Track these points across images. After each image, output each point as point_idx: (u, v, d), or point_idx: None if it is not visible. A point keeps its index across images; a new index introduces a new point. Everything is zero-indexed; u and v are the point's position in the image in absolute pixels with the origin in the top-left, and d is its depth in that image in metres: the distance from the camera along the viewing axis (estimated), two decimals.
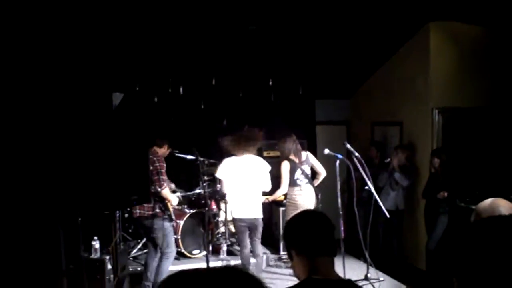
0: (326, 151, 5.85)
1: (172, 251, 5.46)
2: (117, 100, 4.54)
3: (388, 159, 6.82)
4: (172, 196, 5.55)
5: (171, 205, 5.49)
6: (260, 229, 5.76)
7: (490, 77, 6.70)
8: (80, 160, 3.85)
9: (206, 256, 4.93)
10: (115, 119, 4.45)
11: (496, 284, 1.19)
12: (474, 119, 6.73)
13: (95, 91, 4.32)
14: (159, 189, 5.21)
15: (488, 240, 1.27)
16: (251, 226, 5.69)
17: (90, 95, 4.20)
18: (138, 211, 5.31)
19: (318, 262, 2.10)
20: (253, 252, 5.79)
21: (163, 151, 5.63)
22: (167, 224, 5.36)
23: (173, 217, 5.46)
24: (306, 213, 2.36)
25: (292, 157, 6.08)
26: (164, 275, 5.34)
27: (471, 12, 5.99)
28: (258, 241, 5.76)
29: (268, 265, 6.76)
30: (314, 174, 6.35)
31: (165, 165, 5.35)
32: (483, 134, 6.72)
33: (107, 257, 4.97)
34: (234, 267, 1.42)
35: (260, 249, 5.84)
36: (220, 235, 7.09)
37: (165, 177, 5.34)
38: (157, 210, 5.31)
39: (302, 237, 2.15)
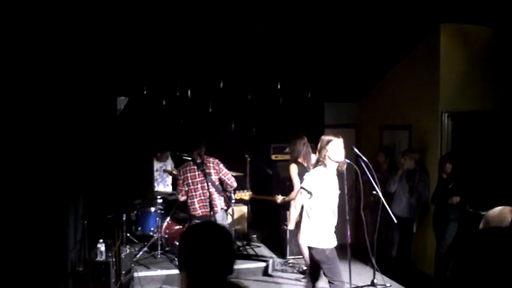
0: (355, 149, 5.82)
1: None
2: (121, 105, 4.56)
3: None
4: None
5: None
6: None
7: (501, 80, 6.60)
8: (84, 164, 3.85)
9: None
10: (120, 123, 4.45)
11: None
12: (484, 123, 6.63)
13: (100, 95, 4.32)
14: (235, 185, 6.11)
15: (484, 252, 1.26)
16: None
17: (95, 100, 4.20)
18: (218, 208, 5.92)
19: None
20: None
21: None
22: None
23: None
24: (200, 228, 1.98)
25: (300, 160, 6.04)
26: None
27: (482, 14, 5.91)
28: None
29: (274, 269, 6.72)
30: None
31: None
32: (494, 138, 6.62)
33: (113, 260, 4.98)
34: None
35: None
36: None
37: None
38: (222, 205, 6.03)
39: (190, 258, 1.85)
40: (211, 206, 5.66)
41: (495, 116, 6.63)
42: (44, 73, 4.02)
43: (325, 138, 4.62)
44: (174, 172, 6.75)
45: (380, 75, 7.83)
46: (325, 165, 4.57)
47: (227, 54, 6.34)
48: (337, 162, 4.60)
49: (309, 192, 4.56)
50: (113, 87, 5.29)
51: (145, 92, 6.33)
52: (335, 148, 4.54)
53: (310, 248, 4.67)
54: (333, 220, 4.70)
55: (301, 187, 4.70)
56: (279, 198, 6.37)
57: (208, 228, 1.93)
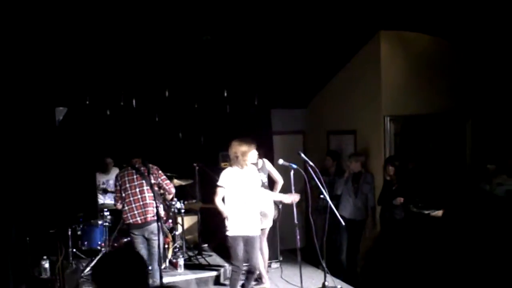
0: (281, 161, 5.84)
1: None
2: (60, 115, 4.41)
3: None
4: None
5: None
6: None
7: (439, 84, 6.89)
8: (22, 178, 3.70)
9: (160, 271, 4.83)
10: (59, 134, 4.32)
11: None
12: (425, 126, 6.89)
13: (37, 106, 4.17)
14: (173, 191, 5.93)
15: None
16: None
17: (32, 110, 4.05)
18: (150, 215, 5.56)
19: None
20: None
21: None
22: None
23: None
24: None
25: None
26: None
27: (420, 21, 6.15)
28: None
29: (226, 277, 6.67)
30: (272, 183, 6.33)
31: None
32: (434, 140, 6.90)
33: (58, 277, 4.80)
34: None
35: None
36: (177, 250, 6.96)
37: None
38: (162, 214, 5.78)
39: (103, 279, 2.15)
40: (156, 213, 5.34)
41: (435, 119, 6.91)
42: None
43: (240, 149, 5.30)
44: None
45: (325, 82, 8.00)
46: (242, 166, 5.33)
47: (172, 62, 6.29)
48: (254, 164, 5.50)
49: (220, 186, 5.34)
50: (51, 97, 5.12)
51: (87, 102, 6.17)
52: (252, 156, 5.41)
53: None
54: (245, 212, 5.31)
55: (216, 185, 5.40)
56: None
57: (120, 255, 2.28)
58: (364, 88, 7.05)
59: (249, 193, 5.36)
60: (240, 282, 5.56)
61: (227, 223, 5.38)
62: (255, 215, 5.43)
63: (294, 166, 5.76)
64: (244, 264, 5.60)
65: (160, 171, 5.82)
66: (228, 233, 5.35)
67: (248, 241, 5.36)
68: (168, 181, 5.90)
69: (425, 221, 6.03)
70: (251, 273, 5.48)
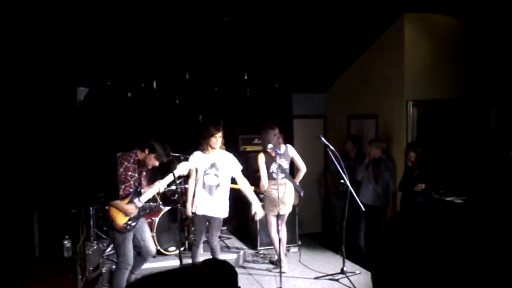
0: (322, 138, 5.97)
1: (124, 261, 4.85)
2: (81, 95, 4.41)
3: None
4: (126, 207, 4.75)
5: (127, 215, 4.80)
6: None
7: (464, 69, 6.73)
8: (44, 158, 3.74)
9: (179, 253, 4.84)
10: (80, 114, 4.34)
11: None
12: (449, 112, 6.75)
13: (59, 86, 4.20)
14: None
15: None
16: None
17: (54, 90, 4.08)
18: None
19: None
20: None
21: (143, 155, 4.85)
22: (118, 235, 4.83)
23: (117, 227, 4.79)
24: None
25: (269, 150, 6.03)
26: (116, 286, 4.84)
27: (445, 3, 5.99)
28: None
29: (245, 260, 6.71)
30: (295, 169, 6.30)
31: (129, 172, 4.71)
32: (457, 126, 6.76)
33: (79, 256, 4.87)
34: (189, 266, 1.46)
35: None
36: None
37: (123, 186, 4.68)
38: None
39: None
40: None
41: (459, 104, 6.76)
42: None
43: (202, 133, 5.52)
44: None
45: (346, 66, 7.88)
46: (203, 151, 5.53)
47: (192, 44, 6.26)
48: (213, 148, 5.52)
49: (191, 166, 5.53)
50: (73, 77, 5.15)
51: (108, 83, 6.18)
52: (213, 142, 5.47)
53: None
54: (207, 194, 5.53)
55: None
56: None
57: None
58: (386, 72, 6.92)
59: (212, 177, 5.53)
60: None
61: (187, 205, 5.66)
62: (218, 199, 5.54)
63: (331, 147, 5.79)
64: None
65: (126, 163, 4.71)
66: (194, 211, 5.64)
67: (209, 222, 5.63)
68: (121, 178, 4.72)
69: (446, 207, 5.93)
70: (212, 251, 5.69)
